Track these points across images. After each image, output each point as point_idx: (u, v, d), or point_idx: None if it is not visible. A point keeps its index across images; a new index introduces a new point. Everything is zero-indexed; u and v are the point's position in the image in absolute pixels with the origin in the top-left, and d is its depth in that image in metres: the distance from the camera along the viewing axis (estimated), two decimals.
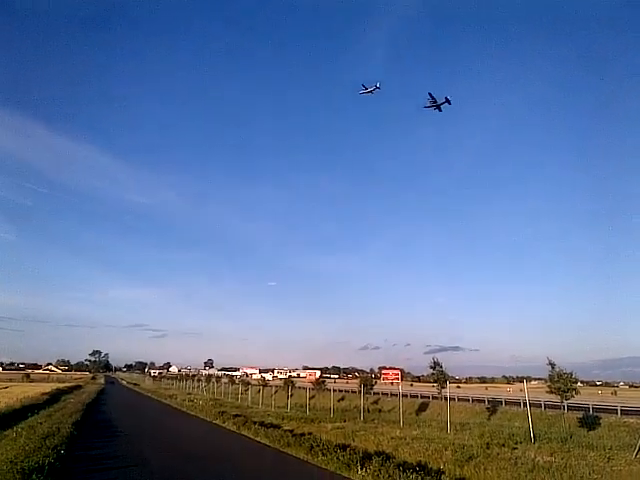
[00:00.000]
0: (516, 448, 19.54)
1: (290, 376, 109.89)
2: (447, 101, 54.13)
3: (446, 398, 33.32)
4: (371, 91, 59.99)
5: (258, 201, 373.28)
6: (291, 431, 23.52)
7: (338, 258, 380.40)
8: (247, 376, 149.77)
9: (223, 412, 33.06)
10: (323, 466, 15.25)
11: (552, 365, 30.54)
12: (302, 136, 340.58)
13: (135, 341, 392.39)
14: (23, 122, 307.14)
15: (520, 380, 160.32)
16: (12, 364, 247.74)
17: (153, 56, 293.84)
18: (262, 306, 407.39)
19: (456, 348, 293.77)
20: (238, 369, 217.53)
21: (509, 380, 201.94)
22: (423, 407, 46.27)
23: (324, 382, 72.48)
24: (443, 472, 13.76)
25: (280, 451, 18.48)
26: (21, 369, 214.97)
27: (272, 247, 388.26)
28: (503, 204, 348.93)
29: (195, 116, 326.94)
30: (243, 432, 24.10)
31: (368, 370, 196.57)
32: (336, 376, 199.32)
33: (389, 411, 43.14)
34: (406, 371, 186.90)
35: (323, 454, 16.10)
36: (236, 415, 30.67)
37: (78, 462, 15.10)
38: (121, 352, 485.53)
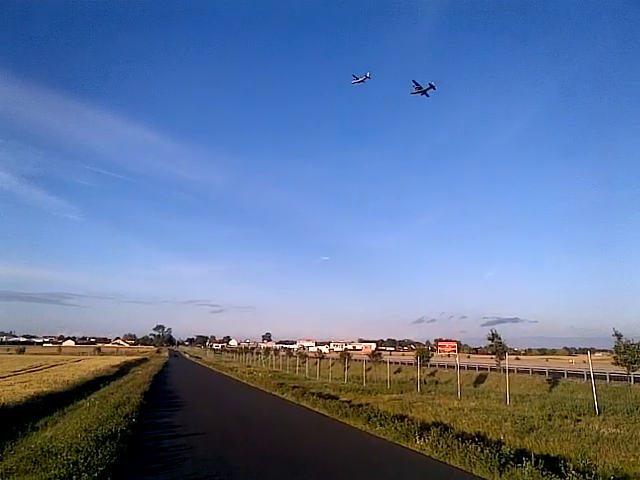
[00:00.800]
0: (579, 420, 19.12)
1: (346, 349, 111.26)
2: (431, 87, 56.82)
3: (505, 370, 32.90)
4: (362, 80, 64.04)
5: (310, 179, 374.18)
6: (348, 402, 23.91)
7: (390, 233, 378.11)
8: (304, 349, 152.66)
9: (282, 384, 33.93)
10: (381, 436, 15.48)
11: (618, 336, 29.50)
12: (349, 113, 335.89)
13: (195, 316, 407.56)
14: (81, 106, 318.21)
15: (583, 352, 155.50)
16: (84, 338, 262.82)
17: (203, 40, 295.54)
18: (317, 281, 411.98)
19: (514, 320, 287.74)
20: (295, 342, 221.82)
21: (570, 352, 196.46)
22: (481, 379, 45.81)
23: (380, 354, 72.99)
24: (503, 443, 13.69)
25: (339, 421, 18.86)
26: (92, 343, 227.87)
27: (324, 223, 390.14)
28: (559, 173, 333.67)
29: (245, 96, 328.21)
30: (302, 403, 24.71)
31: (424, 343, 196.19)
32: (391, 349, 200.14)
33: (446, 383, 42.97)
34: (462, 343, 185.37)
35: (381, 424, 16.32)
36: (294, 387, 31.43)
37: (148, 429, 15.98)
38: (183, 327, 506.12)
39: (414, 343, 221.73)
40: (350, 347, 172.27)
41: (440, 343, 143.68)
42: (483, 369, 53.04)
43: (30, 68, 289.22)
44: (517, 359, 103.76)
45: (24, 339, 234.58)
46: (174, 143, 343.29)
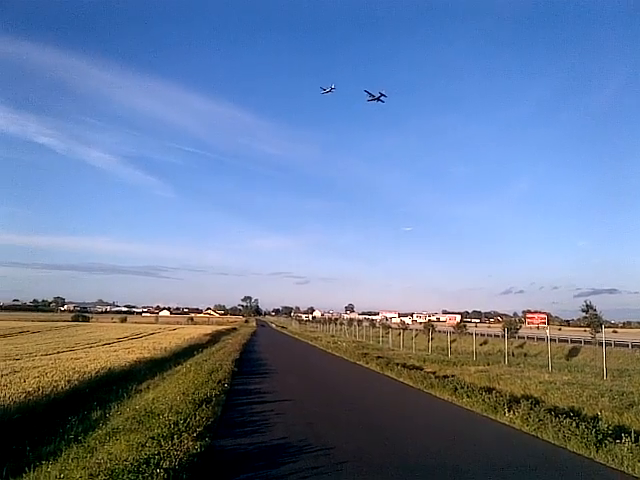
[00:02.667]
0: None
1: (429, 320, 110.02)
2: (382, 95, 70.05)
3: (600, 343, 31.20)
4: (329, 91, 76.76)
5: (393, 149, 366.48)
6: (433, 373, 23.78)
7: (477, 202, 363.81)
8: (387, 320, 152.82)
9: (366, 354, 34.31)
10: (468, 407, 15.30)
11: None
12: (428, 79, 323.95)
13: (281, 287, 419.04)
14: (174, 88, 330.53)
15: None
16: (178, 309, 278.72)
17: (283, 18, 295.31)
18: (399, 251, 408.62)
19: (611, 291, 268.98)
20: (377, 313, 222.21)
21: None
22: (574, 352, 43.74)
23: (465, 326, 71.58)
24: (599, 419, 13.05)
25: (424, 392, 18.83)
26: (185, 313, 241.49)
27: (408, 194, 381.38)
28: None
29: (329, 72, 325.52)
30: (386, 373, 24.88)
31: (511, 314, 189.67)
32: (477, 320, 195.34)
33: (535, 355, 41.44)
34: (553, 315, 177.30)
35: (468, 396, 16.11)
36: (378, 357, 31.67)
37: (239, 395, 16.76)
38: (269, 297, 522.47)
39: (501, 315, 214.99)
40: (434, 319, 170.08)
41: (529, 315, 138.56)
42: (576, 342, 50.66)
43: (126, 53, 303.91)
44: (614, 332, 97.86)
45: (125, 309, 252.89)
46: (260, 120, 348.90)
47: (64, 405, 14.71)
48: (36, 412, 13.38)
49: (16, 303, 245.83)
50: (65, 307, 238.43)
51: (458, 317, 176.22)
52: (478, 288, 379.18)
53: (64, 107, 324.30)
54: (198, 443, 9.40)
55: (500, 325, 67.05)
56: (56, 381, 16.36)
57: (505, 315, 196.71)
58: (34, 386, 15.13)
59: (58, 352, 30.62)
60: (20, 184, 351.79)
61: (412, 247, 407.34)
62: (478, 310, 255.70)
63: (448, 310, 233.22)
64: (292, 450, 9.76)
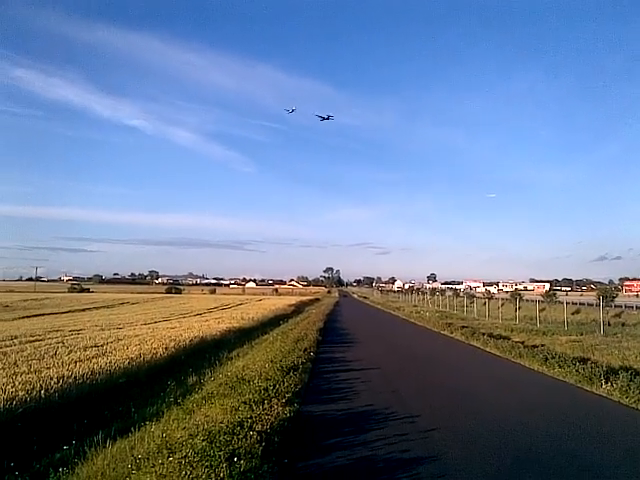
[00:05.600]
0: None
1: (516, 289, 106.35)
2: (330, 116, 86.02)
3: None
4: (291, 111, 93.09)
5: (475, 114, 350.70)
6: (522, 343, 23.05)
7: (567, 165, 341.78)
8: (471, 289, 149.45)
9: (450, 324, 33.85)
10: (560, 378, 14.71)
11: None
12: (510, 34, 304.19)
13: (362, 258, 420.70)
14: (247, 63, 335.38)
15: None
16: (263, 280, 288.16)
17: None
18: (483, 219, 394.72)
19: None
20: (461, 282, 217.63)
21: None
22: None
23: (554, 294, 68.55)
24: None
25: (512, 361, 18.32)
26: (270, 284, 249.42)
27: (488, 159, 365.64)
28: None
29: (403, 37, 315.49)
30: (472, 342, 24.43)
31: (606, 282, 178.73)
32: (567, 289, 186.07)
33: (634, 325, 38.91)
34: None
35: (560, 366, 15.48)
36: (463, 326, 31.12)
37: (325, 363, 17.15)
38: (350, 268, 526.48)
39: (594, 283, 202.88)
40: (520, 288, 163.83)
41: (627, 282, 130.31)
42: None
43: (207, 34, 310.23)
44: None
45: (214, 281, 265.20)
46: (336, 92, 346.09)
47: (163, 370, 15.78)
48: (138, 377, 14.45)
49: (116, 277, 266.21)
50: (159, 280, 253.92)
51: (547, 285, 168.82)
52: (569, 255, 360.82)
53: (152, 90, 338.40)
54: (287, 408, 9.77)
55: (594, 293, 63.52)
56: (155, 348, 17.52)
57: (599, 283, 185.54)
58: (136, 353, 16.28)
59: (155, 322, 32.78)
60: (116, 166, 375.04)
61: (496, 214, 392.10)
62: (569, 278, 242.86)
63: (536, 279, 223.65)
64: (378, 417, 9.89)
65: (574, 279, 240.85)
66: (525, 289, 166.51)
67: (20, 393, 10.17)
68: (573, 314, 49.33)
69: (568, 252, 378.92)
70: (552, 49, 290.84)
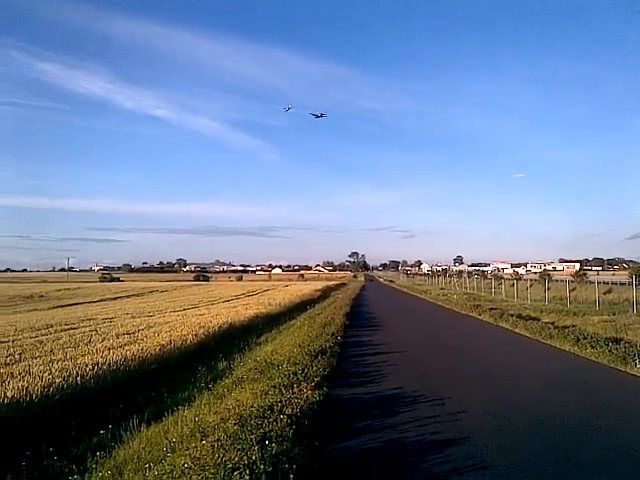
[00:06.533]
0: None
1: (545, 269, 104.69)
2: (323, 114, 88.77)
3: None
4: (287, 109, 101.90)
5: (497, 95, 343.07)
6: (552, 323, 22.75)
7: (595, 143, 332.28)
8: (498, 271, 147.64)
9: (478, 305, 33.55)
10: (593, 358, 14.45)
11: None
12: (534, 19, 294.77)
13: (387, 242, 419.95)
14: (265, 48, 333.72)
15: None
16: (289, 266, 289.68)
17: None
18: (510, 200, 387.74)
19: None
20: (488, 264, 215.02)
21: None
22: None
23: (585, 274, 67.28)
24: None
25: (542, 342, 18.07)
26: (296, 270, 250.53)
27: (514, 139, 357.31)
28: None
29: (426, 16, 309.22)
30: (500, 324, 24.19)
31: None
32: (599, 268, 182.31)
33: None
34: None
35: (592, 346, 15.22)
36: (491, 308, 30.82)
37: (352, 347, 17.15)
38: (375, 252, 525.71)
39: (627, 262, 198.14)
40: (549, 268, 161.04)
41: None
42: None
43: (224, 22, 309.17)
44: None
45: (241, 268, 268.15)
46: (359, 75, 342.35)
47: (193, 356, 16.08)
48: (169, 363, 14.76)
49: (145, 265, 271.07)
50: (187, 268, 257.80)
51: (577, 265, 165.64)
52: (599, 234, 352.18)
53: (174, 79, 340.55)
54: (316, 392, 9.84)
55: (626, 272, 62.08)
56: (185, 335, 17.83)
57: (632, 262, 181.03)
58: (166, 340, 16.59)
59: (184, 309, 33.30)
60: (141, 157, 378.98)
61: (523, 195, 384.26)
62: (599, 257, 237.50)
63: (565, 259, 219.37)
64: (407, 400, 9.90)
65: (605, 258, 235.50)
66: (554, 269, 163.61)
67: (57, 380, 10.48)
68: (605, 294, 48.35)
69: (599, 230, 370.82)
70: (575, 26, 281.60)
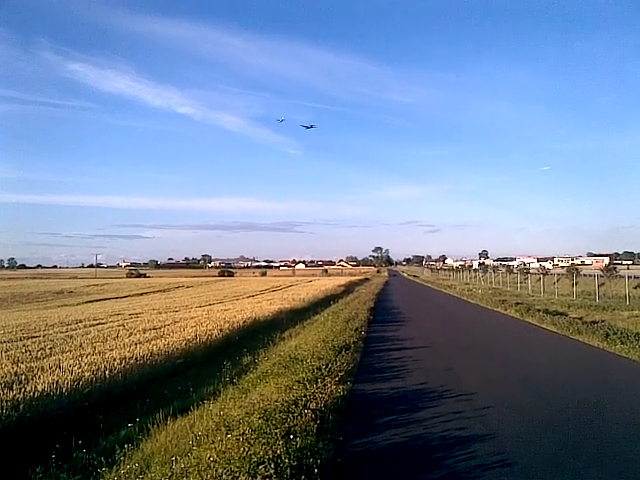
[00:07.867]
0: None
1: (573, 264, 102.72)
2: (312, 125, 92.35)
3: None
4: (281, 121, 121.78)
5: (525, 85, 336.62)
6: (580, 319, 22.32)
7: (621, 133, 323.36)
8: (524, 265, 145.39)
9: (503, 300, 33.11)
10: (623, 355, 14.13)
11: None
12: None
13: (411, 237, 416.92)
14: (288, 43, 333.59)
15: None
16: (312, 262, 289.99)
17: None
18: (536, 193, 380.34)
19: None
20: (514, 259, 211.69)
21: None
22: None
23: (615, 268, 65.70)
24: None
25: (570, 338, 17.74)
26: (319, 266, 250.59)
27: (540, 131, 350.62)
28: None
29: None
30: (527, 319, 23.83)
31: None
32: (629, 262, 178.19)
33: None
34: None
35: (622, 342, 14.90)
36: (517, 303, 30.36)
37: (376, 342, 17.13)
38: (399, 247, 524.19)
39: None
40: (577, 262, 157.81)
41: None
42: None
43: (247, 18, 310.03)
44: None
45: (264, 263, 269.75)
46: (384, 69, 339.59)
47: (218, 351, 16.28)
48: (195, 357, 14.96)
49: (171, 261, 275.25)
50: (212, 264, 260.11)
51: (606, 259, 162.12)
52: (631, 227, 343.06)
53: (199, 77, 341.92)
54: (340, 387, 9.85)
55: None
56: (210, 330, 18.03)
57: None
58: (192, 335, 16.80)
59: (210, 304, 33.66)
60: (167, 154, 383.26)
61: (550, 187, 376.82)
62: (630, 251, 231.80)
63: (594, 252, 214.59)
64: (432, 395, 9.84)
65: (636, 252, 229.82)
66: (582, 264, 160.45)
67: (86, 374, 10.70)
68: (636, 288, 47.25)
69: (630, 223, 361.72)
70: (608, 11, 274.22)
